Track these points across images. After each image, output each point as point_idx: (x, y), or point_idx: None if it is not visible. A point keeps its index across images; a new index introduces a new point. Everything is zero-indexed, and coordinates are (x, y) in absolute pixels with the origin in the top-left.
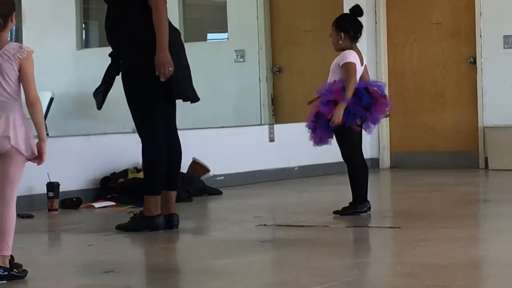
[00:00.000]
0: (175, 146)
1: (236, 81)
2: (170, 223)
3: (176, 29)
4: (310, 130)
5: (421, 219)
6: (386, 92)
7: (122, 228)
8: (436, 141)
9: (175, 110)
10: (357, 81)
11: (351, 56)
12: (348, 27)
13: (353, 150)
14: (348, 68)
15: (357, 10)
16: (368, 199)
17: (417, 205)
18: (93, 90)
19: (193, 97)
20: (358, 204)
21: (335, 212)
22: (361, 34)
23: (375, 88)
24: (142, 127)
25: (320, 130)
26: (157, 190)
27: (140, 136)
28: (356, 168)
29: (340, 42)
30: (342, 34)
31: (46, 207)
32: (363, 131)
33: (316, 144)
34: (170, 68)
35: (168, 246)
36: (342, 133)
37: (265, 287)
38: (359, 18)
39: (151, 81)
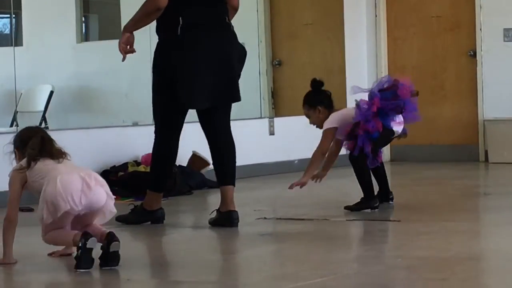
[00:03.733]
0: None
1: None
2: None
3: (224, 41)
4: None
5: (421, 212)
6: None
7: (122, 220)
8: (436, 134)
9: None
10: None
11: (329, 122)
12: (319, 99)
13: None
14: (323, 133)
15: (317, 83)
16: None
17: (417, 199)
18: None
19: (202, 105)
20: (371, 200)
21: (346, 208)
22: (332, 99)
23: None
24: (155, 124)
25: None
26: (161, 188)
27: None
28: (365, 165)
29: (320, 116)
30: (319, 108)
31: None
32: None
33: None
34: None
35: (167, 239)
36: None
37: (265, 280)
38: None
39: (161, 84)
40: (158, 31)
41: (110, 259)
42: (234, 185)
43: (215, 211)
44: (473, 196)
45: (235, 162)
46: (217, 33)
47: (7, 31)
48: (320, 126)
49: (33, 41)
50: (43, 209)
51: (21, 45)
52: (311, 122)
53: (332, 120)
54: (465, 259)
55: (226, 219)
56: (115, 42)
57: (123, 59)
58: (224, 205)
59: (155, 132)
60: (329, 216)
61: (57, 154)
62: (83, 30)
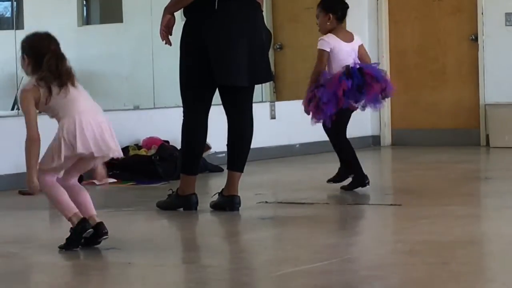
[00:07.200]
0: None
1: None
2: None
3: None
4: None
5: (422, 196)
6: (386, 75)
7: (159, 206)
8: (437, 118)
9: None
10: (344, 63)
11: (324, 43)
12: (336, 7)
13: (339, 129)
14: (318, 55)
15: None
16: (366, 174)
17: (418, 183)
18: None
19: (241, 82)
20: (360, 177)
21: (342, 188)
22: (346, 14)
23: (369, 71)
24: (183, 104)
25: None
26: (192, 170)
27: None
28: (342, 145)
29: (328, 23)
30: (330, 15)
31: None
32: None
33: (317, 121)
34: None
35: (168, 223)
36: (338, 114)
37: (265, 264)
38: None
39: (194, 62)
40: (189, 10)
41: (93, 243)
42: (242, 172)
43: (217, 194)
44: (474, 180)
45: (249, 147)
46: (250, 11)
47: (8, 14)
48: (322, 31)
49: (34, 24)
50: (58, 148)
51: (22, 28)
52: (317, 23)
53: (327, 42)
54: (466, 243)
55: (228, 203)
56: (116, 26)
57: (165, 43)
58: (228, 189)
59: (183, 112)
60: (330, 200)
61: (69, 75)
62: (84, 14)
